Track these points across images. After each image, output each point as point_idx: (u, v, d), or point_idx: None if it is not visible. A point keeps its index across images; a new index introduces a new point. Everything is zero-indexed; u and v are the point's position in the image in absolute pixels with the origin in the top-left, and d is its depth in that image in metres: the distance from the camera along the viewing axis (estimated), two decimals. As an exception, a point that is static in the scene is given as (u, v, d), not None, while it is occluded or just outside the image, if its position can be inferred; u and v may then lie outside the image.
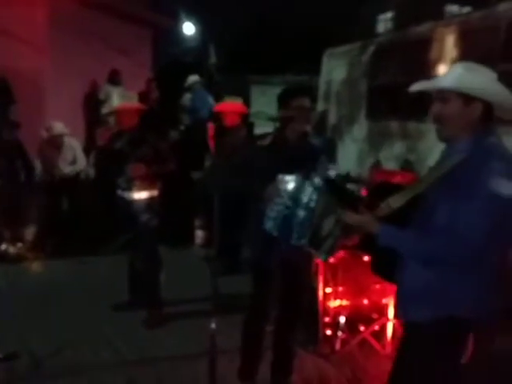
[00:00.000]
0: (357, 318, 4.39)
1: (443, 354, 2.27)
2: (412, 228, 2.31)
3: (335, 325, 4.33)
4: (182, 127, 9.94)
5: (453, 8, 15.94)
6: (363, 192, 4.32)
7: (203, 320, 3.61)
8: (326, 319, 4.34)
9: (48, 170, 7.21)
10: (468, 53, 6.57)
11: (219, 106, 6.80)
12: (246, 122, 7.94)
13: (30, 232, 7.11)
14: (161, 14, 13.26)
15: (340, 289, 4.38)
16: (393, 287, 2.93)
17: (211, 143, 7.71)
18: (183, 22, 17.74)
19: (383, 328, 4.34)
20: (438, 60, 7.25)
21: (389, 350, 4.24)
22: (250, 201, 3.64)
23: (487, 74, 2.28)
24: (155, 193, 4.96)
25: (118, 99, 5.14)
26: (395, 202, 2.28)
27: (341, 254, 4.09)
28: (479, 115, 2.24)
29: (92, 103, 9.98)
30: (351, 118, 9.20)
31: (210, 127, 7.88)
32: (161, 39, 14.46)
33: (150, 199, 4.91)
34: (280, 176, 2.91)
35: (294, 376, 3.81)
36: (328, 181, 2.66)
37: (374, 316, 4.37)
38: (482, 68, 2.30)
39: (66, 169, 7.23)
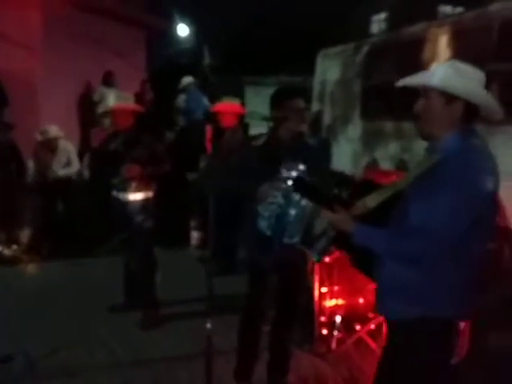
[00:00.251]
0: (353, 317, 4.41)
1: (423, 351, 2.22)
2: (389, 227, 2.26)
3: (331, 324, 4.34)
4: (177, 128, 9.93)
5: (446, 8, 15.98)
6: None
7: (199, 321, 3.60)
8: (322, 318, 4.35)
9: (41, 172, 7.21)
10: (461, 53, 6.58)
11: (217, 107, 6.67)
12: (242, 122, 7.90)
13: (25, 234, 7.09)
14: (155, 15, 13.24)
15: (336, 288, 4.39)
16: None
17: (208, 146, 7.67)
18: (177, 24, 17.72)
19: (379, 327, 4.33)
20: (432, 60, 7.26)
21: (385, 349, 4.24)
22: (245, 201, 3.64)
23: (472, 73, 2.23)
24: (150, 194, 4.95)
25: (114, 100, 5.11)
26: (371, 201, 2.26)
27: (336, 253, 4.10)
28: (460, 115, 2.20)
29: (86, 105, 9.97)
30: (345, 119, 9.21)
31: (208, 130, 7.84)
32: (155, 41, 14.44)
33: (145, 200, 4.91)
34: (283, 169, 2.89)
35: (291, 376, 3.82)
36: (295, 180, 2.62)
37: (370, 315, 4.37)
38: (469, 67, 2.24)
39: (60, 171, 7.24)
